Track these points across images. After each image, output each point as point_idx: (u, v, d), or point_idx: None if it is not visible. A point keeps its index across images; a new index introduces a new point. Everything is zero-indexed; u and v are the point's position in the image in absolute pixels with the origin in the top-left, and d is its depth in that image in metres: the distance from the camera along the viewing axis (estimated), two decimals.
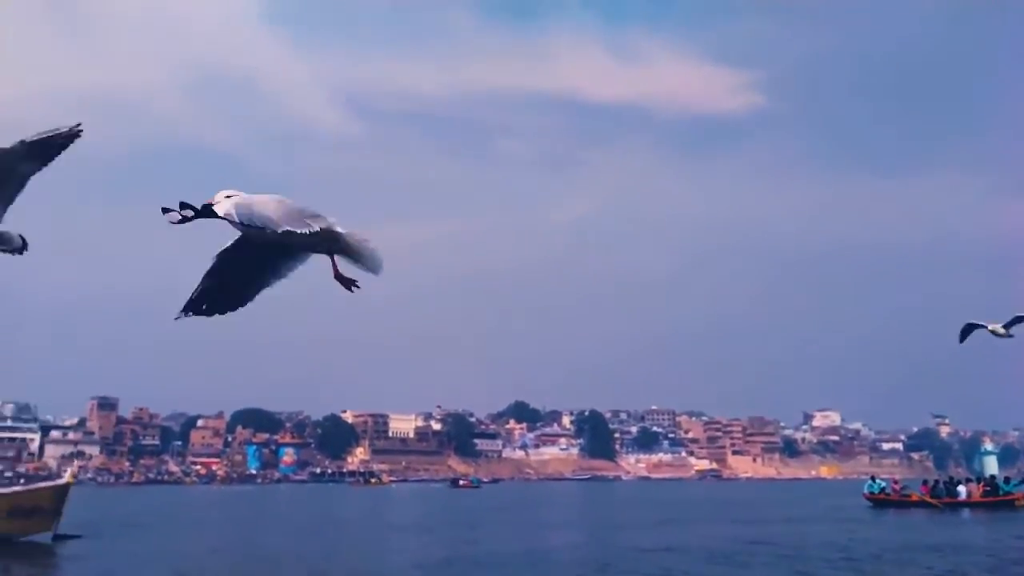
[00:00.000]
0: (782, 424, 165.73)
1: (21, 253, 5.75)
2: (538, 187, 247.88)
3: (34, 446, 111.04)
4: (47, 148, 5.01)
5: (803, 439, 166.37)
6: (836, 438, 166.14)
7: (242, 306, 5.24)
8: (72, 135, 5.01)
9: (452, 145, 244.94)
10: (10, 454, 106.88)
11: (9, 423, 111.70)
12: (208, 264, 4.89)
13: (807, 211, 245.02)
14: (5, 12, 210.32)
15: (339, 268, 5.05)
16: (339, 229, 4.99)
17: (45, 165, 5.16)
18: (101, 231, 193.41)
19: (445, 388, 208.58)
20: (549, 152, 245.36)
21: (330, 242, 4.99)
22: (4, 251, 5.71)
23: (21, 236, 5.71)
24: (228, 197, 4.67)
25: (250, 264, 5.08)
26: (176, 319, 4.96)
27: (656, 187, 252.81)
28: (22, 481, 49.44)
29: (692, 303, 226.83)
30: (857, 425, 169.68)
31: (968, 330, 16.23)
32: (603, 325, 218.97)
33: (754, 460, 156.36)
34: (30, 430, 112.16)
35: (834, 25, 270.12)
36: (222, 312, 5.23)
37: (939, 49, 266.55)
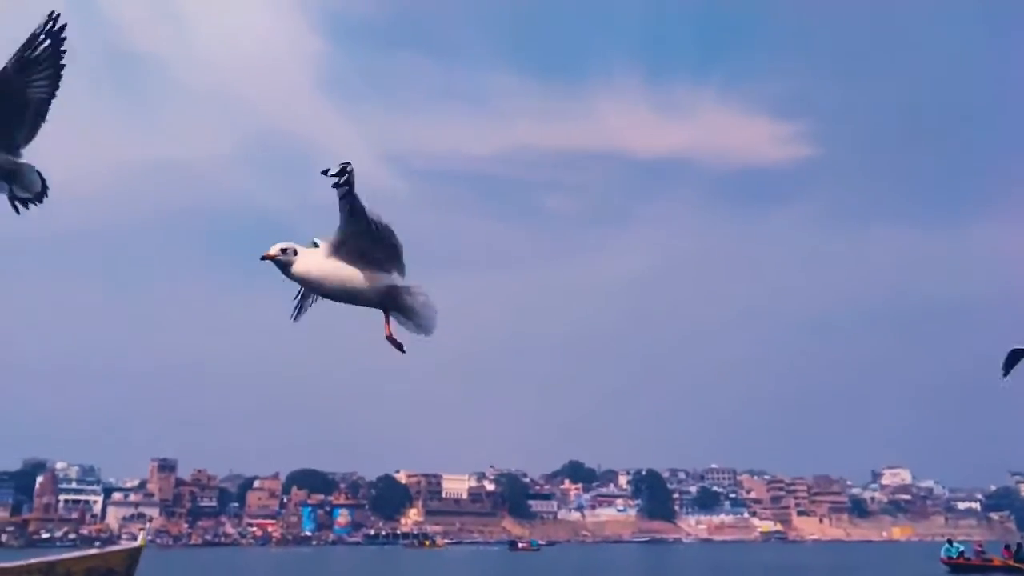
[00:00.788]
0: (849, 482, 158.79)
1: (40, 201, 5.25)
2: (587, 243, 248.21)
3: (97, 508, 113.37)
4: (31, 60, 4.67)
5: (872, 498, 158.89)
6: (908, 497, 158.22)
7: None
8: (51, 33, 4.68)
9: (499, 202, 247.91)
10: (74, 516, 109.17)
11: (74, 485, 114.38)
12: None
13: (868, 262, 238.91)
14: (76, 89, 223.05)
15: (392, 328, 5.25)
16: (403, 285, 5.25)
17: (51, 81, 4.86)
18: (163, 299, 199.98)
19: (498, 447, 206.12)
20: (597, 208, 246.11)
21: (394, 298, 5.24)
22: (22, 199, 5.18)
23: (40, 175, 5.22)
24: (284, 250, 5.02)
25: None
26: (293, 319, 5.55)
27: (706, 240, 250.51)
28: (97, 544, 50.31)
29: (748, 357, 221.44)
30: (929, 483, 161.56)
31: (1015, 358, 12.92)
32: (658, 381, 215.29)
33: (821, 521, 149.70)
34: (93, 492, 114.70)
35: (880, 73, 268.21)
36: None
37: (989, 93, 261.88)
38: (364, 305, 5.23)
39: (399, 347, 5.30)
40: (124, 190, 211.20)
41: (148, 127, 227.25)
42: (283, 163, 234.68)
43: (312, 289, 5.22)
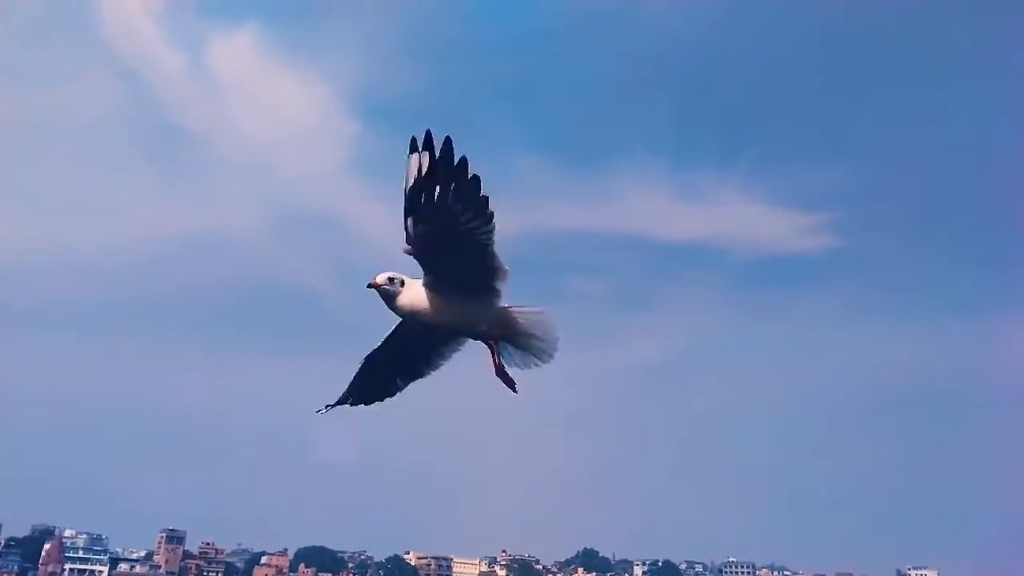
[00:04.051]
0: None
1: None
2: (608, 327, 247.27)
3: None
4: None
5: None
6: None
7: (391, 396, 5.32)
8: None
9: (520, 283, 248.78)
10: None
11: (80, 554, 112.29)
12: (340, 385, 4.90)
13: (895, 352, 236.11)
14: (116, 163, 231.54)
15: (501, 361, 4.96)
16: (515, 306, 4.99)
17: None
18: (183, 369, 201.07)
19: (510, 531, 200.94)
20: (619, 292, 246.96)
21: (507, 322, 4.95)
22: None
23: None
24: (391, 279, 4.76)
25: (400, 359, 5.16)
26: (319, 412, 5.20)
27: (729, 328, 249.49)
28: None
29: (770, 447, 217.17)
30: None
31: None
32: (676, 470, 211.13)
33: None
34: (100, 562, 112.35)
35: (908, 165, 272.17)
36: (369, 402, 5.36)
37: (1017, 180, 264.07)
38: (473, 334, 4.92)
39: (511, 384, 4.97)
40: (155, 261, 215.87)
41: (184, 201, 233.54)
42: (314, 239, 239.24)
43: (420, 320, 4.82)
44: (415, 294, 4.75)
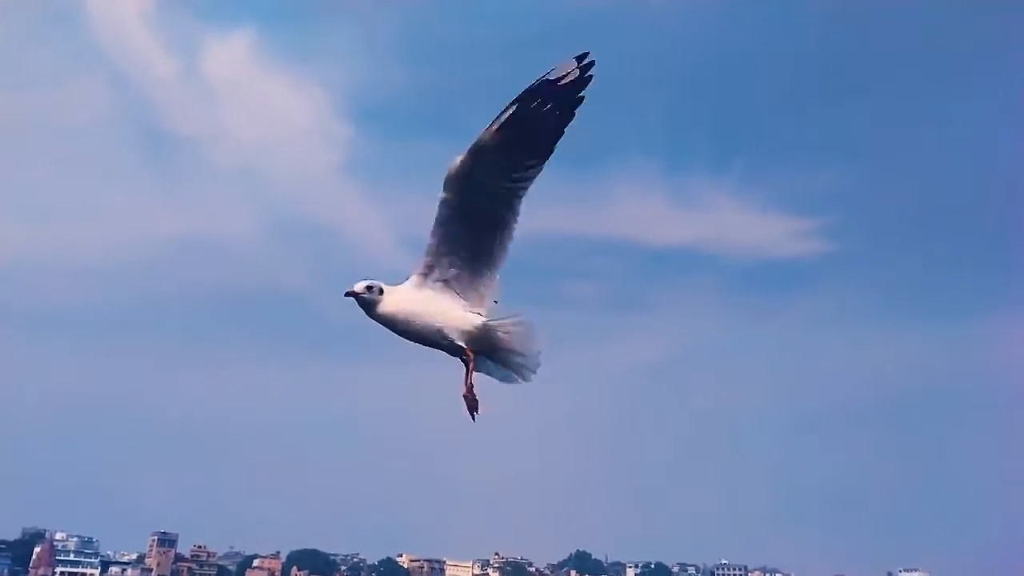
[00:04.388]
0: None
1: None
2: (601, 329, 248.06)
3: None
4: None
5: None
6: None
7: None
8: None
9: (515, 287, 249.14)
10: None
11: (72, 557, 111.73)
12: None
13: (888, 356, 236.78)
14: (112, 167, 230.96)
15: (472, 384, 4.75)
16: (496, 321, 4.83)
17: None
18: (176, 370, 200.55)
19: (503, 534, 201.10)
20: (612, 296, 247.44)
21: (487, 336, 4.78)
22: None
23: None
24: (369, 287, 4.64)
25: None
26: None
27: (721, 332, 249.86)
28: None
29: (761, 450, 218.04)
30: None
31: None
32: (669, 472, 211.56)
33: None
34: (91, 565, 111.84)
35: (898, 169, 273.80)
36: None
37: (1011, 182, 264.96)
38: (450, 349, 4.76)
39: (473, 408, 4.77)
40: (148, 264, 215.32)
41: (179, 204, 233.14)
42: (308, 242, 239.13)
43: (398, 331, 4.73)
44: (395, 300, 4.68)
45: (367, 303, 4.66)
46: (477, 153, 4.61)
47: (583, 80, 4.64)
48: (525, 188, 4.82)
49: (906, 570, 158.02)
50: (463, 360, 4.77)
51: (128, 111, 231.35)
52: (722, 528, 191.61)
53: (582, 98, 4.68)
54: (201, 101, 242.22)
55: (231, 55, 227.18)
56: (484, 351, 4.78)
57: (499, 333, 4.78)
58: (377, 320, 4.69)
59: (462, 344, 4.71)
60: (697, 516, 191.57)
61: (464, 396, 4.74)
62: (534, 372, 4.86)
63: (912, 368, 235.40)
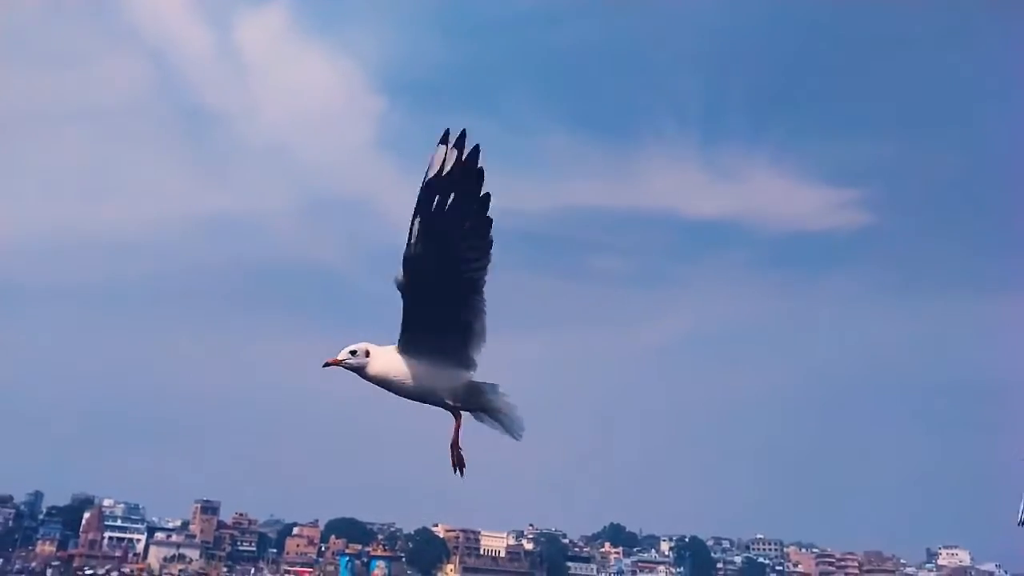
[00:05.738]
0: (903, 561, 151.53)
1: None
2: (633, 303, 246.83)
3: (140, 547, 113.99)
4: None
5: None
6: None
7: None
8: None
9: (546, 262, 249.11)
10: (117, 554, 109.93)
11: (119, 523, 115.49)
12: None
13: (930, 332, 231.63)
14: (146, 145, 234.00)
15: (458, 438, 5.01)
16: (486, 383, 4.99)
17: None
18: (214, 346, 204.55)
19: (538, 506, 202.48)
20: (644, 269, 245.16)
21: (475, 395, 4.96)
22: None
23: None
24: (353, 352, 4.73)
25: None
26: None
27: (755, 305, 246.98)
28: None
29: (799, 426, 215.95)
30: (990, 566, 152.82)
31: None
32: (703, 446, 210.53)
33: None
34: (137, 531, 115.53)
35: (947, 139, 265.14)
36: None
37: None
38: (440, 404, 4.91)
39: (459, 465, 4.98)
40: (185, 241, 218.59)
41: (213, 181, 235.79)
42: (340, 217, 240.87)
43: (391, 389, 4.84)
44: (386, 361, 4.73)
45: (354, 368, 4.74)
46: (412, 261, 4.48)
47: (471, 159, 4.44)
48: (483, 270, 4.61)
49: (946, 548, 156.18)
50: (454, 415, 4.96)
51: (163, 88, 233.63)
52: (757, 503, 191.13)
53: (481, 177, 4.48)
54: (235, 76, 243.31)
55: (265, 29, 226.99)
56: (473, 409, 4.96)
57: (488, 394, 4.94)
58: (370, 380, 4.78)
59: (451, 403, 4.88)
60: (732, 490, 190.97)
61: (451, 448, 4.95)
62: (521, 433, 5.01)
63: (951, 346, 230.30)
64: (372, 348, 4.73)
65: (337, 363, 4.69)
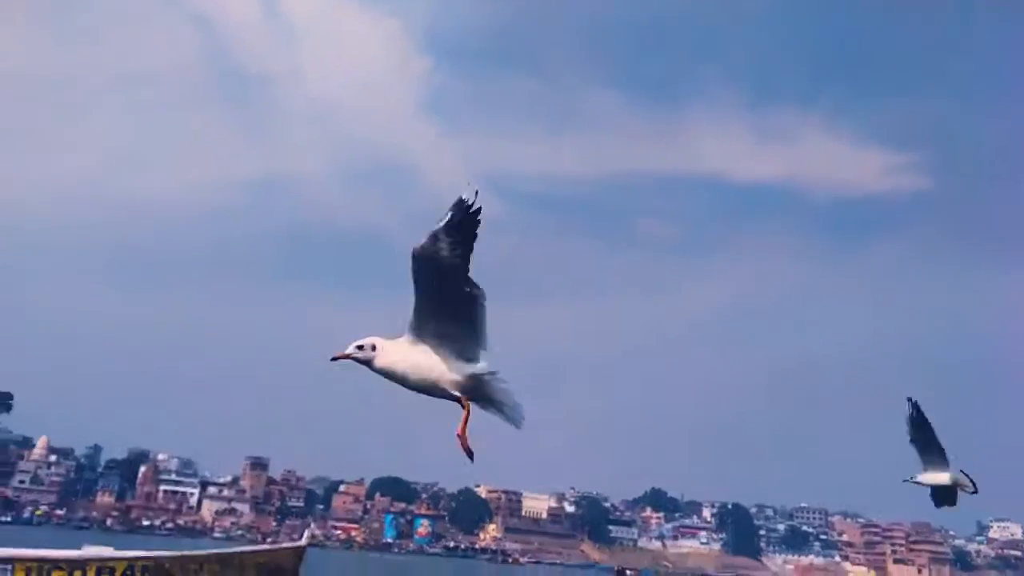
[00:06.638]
0: (952, 533, 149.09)
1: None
2: (680, 269, 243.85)
3: (193, 500, 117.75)
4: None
5: (978, 552, 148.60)
6: (1018, 554, 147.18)
7: None
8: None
9: (593, 227, 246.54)
10: (172, 506, 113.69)
11: (173, 477, 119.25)
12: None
13: (988, 300, 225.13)
14: (195, 110, 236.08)
15: (466, 428, 5.10)
16: (487, 375, 5.11)
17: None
18: (258, 307, 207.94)
19: (580, 469, 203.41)
20: (693, 234, 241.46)
21: (478, 387, 5.09)
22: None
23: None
24: (360, 347, 4.94)
25: None
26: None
27: (804, 271, 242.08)
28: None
29: (843, 394, 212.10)
30: None
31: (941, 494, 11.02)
32: (746, 413, 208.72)
33: (919, 572, 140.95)
34: (191, 484, 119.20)
35: (1007, 101, 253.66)
36: None
37: None
38: (446, 396, 5.06)
39: (469, 453, 5.07)
40: (232, 203, 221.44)
41: (259, 145, 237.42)
42: (384, 180, 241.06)
43: (397, 382, 5.08)
44: (391, 355, 4.96)
45: (362, 361, 4.97)
46: (420, 259, 4.90)
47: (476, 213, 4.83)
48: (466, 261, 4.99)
49: (998, 521, 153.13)
50: (462, 405, 5.09)
51: (209, 52, 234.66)
52: (802, 471, 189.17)
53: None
54: (280, 40, 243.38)
55: None
56: (478, 400, 5.06)
57: (488, 384, 5.05)
58: (378, 372, 5.01)
59: (456, 394, 5.01)
60: (776, 458, 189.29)
61: (458, 438, 5.01)
62: (522, 421, 5.08)
63: (1011, 312, 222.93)
64: (379, 342, 4.96)
65: (345, 357, 4.96)
